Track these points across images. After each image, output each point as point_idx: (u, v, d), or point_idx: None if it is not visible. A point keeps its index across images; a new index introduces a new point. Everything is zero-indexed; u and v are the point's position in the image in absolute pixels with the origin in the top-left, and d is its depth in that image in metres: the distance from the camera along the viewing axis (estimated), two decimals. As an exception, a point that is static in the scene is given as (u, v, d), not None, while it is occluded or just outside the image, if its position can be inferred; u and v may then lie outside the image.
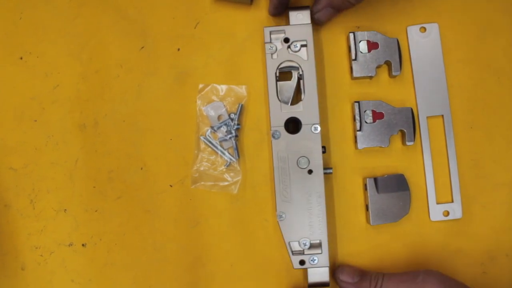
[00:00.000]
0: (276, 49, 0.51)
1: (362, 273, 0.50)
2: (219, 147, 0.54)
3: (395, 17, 0.55)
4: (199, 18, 0.56)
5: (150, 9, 0.56)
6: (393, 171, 0.54)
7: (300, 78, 0.51)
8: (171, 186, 0.55)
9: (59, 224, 0.54)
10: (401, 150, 0.54)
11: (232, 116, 0.54)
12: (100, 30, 0.56)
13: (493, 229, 0.53)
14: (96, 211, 0.54)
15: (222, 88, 0.55)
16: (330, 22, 0.55)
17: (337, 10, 0.52)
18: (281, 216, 0.50)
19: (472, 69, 0.54)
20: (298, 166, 0.50)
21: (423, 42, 0.55)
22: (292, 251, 0.50)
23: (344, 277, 0.50)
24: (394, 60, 0.53)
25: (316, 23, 0.53)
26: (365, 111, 0.53)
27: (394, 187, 0.52)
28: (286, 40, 0.51)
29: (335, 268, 0.52)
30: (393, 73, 0.53)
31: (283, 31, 0.51)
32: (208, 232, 0.54)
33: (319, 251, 0.49)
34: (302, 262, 0.49)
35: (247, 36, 0.56)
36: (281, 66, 0.51)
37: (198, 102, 0.55)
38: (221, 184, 0.54)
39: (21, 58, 0.56)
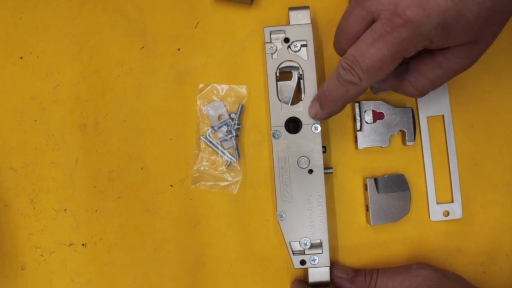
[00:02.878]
0: (276, 49, 0.51)
1: (357, 270, 0.50)
2: (219, 147, 0.54)
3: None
4: (199, 17, 0.56)
5: (150, 9, 0.56)
6: (393, 171, 0.54)
7: (300, 78, 0.51)
8: (171, 186, 0.54)
9: (59, 224, 0.54)
10: (401, 150, 0.54)
11: (233, 116, 0.54)
12: (100, 30, 0.56)
13: (493, 229, 0.53)
14: (96, 211, 0.54)
15: (223, 88, 0.55)
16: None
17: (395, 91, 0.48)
18: (281, 216, 0.50)
19: (472, 68, 0.54)
20: (298, 166, 0.50)
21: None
22: (292, 251, 0.50)
23: (339, 273, 0.50)
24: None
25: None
26: (365, 111, 0.53)
27: (394, 187, 0.52)
28: (286, 40, 0.51)
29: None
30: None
31: (283, 31, 0.51)
32: (208, 232, 0.54)
33: (319, 251, 0.49)
34: (302, 262, 0.49)
35: (247, 36, 0.55)
36: (281, 66, 0.51)
37: (198, 102, 0.55)
38: (222, 184, 0.54)
39: (21, 58, 0.56)
